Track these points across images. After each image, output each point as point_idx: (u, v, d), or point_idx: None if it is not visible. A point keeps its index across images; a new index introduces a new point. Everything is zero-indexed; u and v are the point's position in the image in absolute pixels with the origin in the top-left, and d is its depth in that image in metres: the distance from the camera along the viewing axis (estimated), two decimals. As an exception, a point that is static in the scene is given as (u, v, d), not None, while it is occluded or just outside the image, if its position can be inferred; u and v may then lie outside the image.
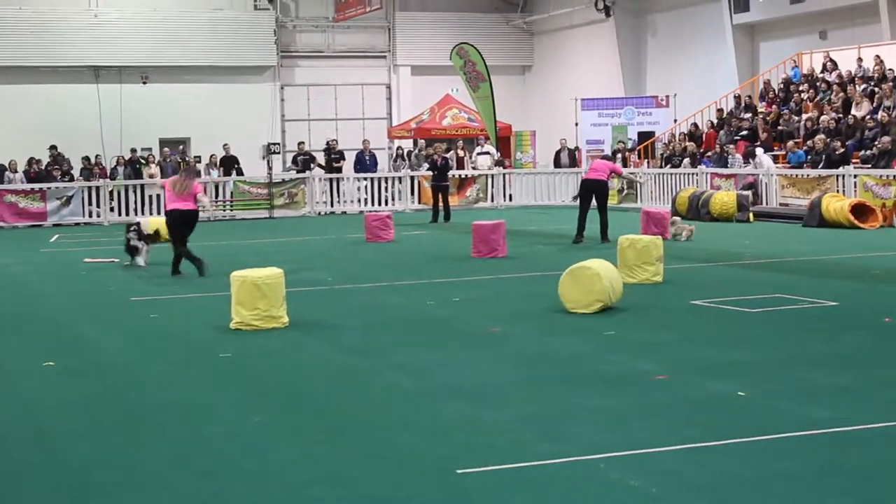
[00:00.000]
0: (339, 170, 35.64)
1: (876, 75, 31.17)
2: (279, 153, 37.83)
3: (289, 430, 8.19)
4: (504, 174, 36.30)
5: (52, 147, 34.41)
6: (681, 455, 7.27)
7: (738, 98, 35.08)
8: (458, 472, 6.96)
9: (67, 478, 7.14)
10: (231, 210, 33.35)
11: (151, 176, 33.29)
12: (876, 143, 27.57)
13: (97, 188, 32.31)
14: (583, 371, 10.05)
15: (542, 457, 7.24)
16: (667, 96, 38.01)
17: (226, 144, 35.54)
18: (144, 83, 39.81)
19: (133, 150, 35.66)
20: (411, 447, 7.62)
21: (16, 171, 32.88)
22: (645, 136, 37.46)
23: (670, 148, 34.76)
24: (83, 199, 31.96)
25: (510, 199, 35.96)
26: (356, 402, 9.03)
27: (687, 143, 34.01)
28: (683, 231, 22.91)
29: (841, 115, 30.31)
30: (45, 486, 6.96)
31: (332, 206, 34.52)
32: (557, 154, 37.97)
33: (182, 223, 17.83)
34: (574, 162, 37.57)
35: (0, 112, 37.86)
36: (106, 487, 6.91)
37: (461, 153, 37.41)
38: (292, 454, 7.52)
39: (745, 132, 32.79)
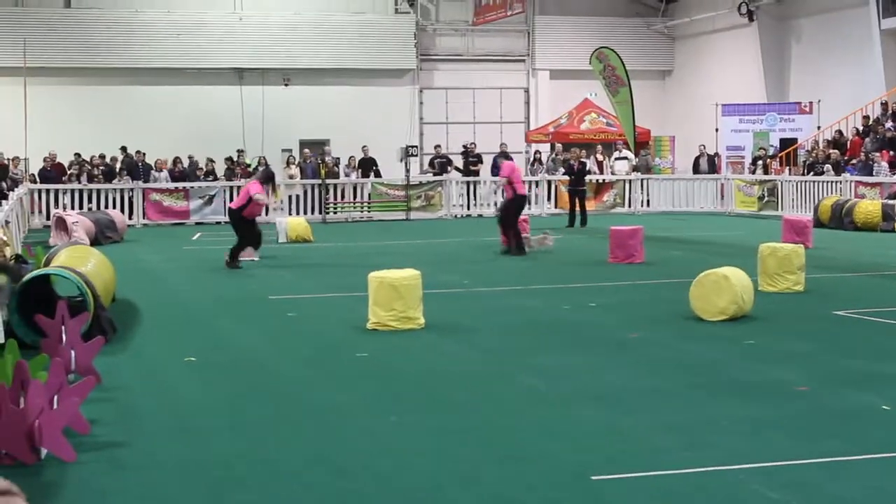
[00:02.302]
0: (476, 173, 35.74)
1: None
2: (416, 156, 38.10)
3: (424, 430, 8.22)
4: (642, 179, 35.99)
5: (123, 148, 34.93)
6: (821, 468, 7.12)
7: (884, 105, 34.22)
8: (593, 478, 6.91)
9: (208, 472, 7.27)
10: (368, 211, 33.68)
11: (291, 177, 33.80)
12: None
13: (238, 188, 32.88)
14: (721, 379, 9.90)
15: (680, 465, 7.15)
16: (810, 103, 37.26)
17: (364, 146, 35.91)
18: (286, 85, 40.47)
19: (240, 152, 36.11)
20: (546, 451, 7.59)
21: (161, 171, 33.71)
22: (787, 143, 36.78)
23: (813, 155, 34.08)
24: (225, 198, 32.59)
25: (648, 205, 35.65)
26: (491, 404, 9.03)
27: (830, 151, 33.29)
28: (533, 241, 22.26)
29: None
30: (186, 480, 7.10)
31: (468, 209, 34.64)
32: (696, 160, 37.52)
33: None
34: (713, 168, 37.09)
35: (146, 113, 38.85)
36: (245, 482, 7.03)
37: (600, 158, 37.18)
38: (427, 454, 7.55)
39: (888, 139, 31.98)
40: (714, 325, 12.74)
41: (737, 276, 13.22)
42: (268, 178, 20.54)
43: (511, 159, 28.87)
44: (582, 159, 31.64)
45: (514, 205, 21.90)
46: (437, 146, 37.77)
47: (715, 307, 12.98)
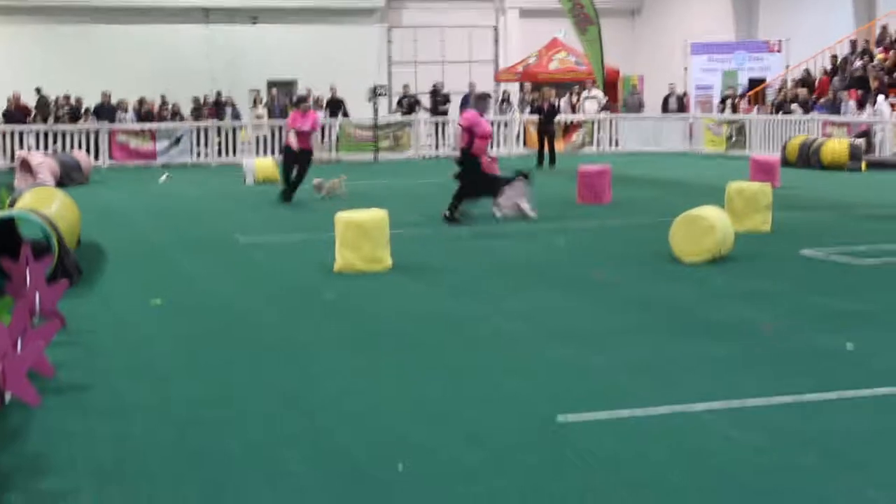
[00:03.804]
0: (445, 113, 35.58)
1: None
2: (385, 95, 37.87)
3: (392, 371, 8.22)
4: (611, 119, 35.93)
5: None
6: (787, 407, 7.16)
7: (853, 43, 34.22)
8: (560, 418, 6.93)
9: (174, 414, 7.26)
10: (337, 152, 33.50)
11: (259, 117, 33.55)
12: None
13: (205, 129, 32.68)
14: (689, 319, 9.94)
15: (646, 404, 7.18)
16: (779, 41, 37.24)
17: (332, 86, 35.65)
18: (254, 24, 40.06)
19: (218, 94, 35.87)
20: (513, 392, 7.61)
21: (126, 111, 33.39)
22: (756, 83, 36.79)
23: (781, 94, 34.10)
24: (192, 139, 32.36)
25: (617, 145, 35.62)
26: (459, 345, 9.04)
27: (798, 90, 33.32)
28: (324, 188, 21.34)
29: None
30: (153, 422, 7.08)
31: (437, 149, 34.51)
32: (665, 99, 37.47)
33: None
34: (682, 107, 37.07)
35: (110, 52, 38.39)
36: (213, 425, 7.01)
37: (575, 99, 37.11)
38: (394, 395, 7.56)
39: (856, 79, 32.02)
40: (683, 265, 12.76)
41: (721, 219, 13.21)
42: (483, 101, 19.61)
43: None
44: (551, 99, 31.53)
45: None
46: (406, 86, 37.54)
47: (696, 249, 12.95)
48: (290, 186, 20.46)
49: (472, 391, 7.64)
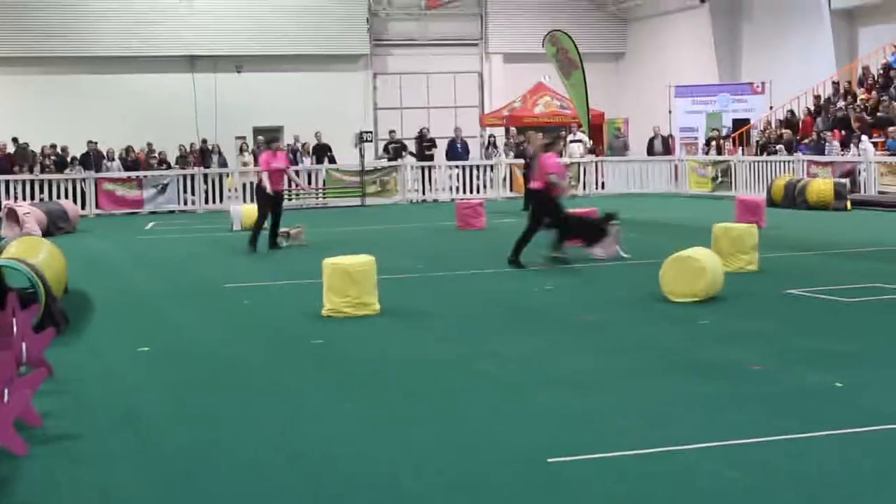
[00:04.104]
0: (431, 157, 35.68)
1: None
2: (371, 141, 37.98)
3: (380, 416, 8.19)
4: (596, 162, 36.07)
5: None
6: (778, 446, 7.15)
7: (835, 84, 34.46)
8: (550, 460, 6.91)
9: (163, 463, 7.21)
10: (323, 198, 33.54)
11: (245, 164, 33.60)
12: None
13: (192, 176, 32.70)
14: (678, 359, 9.93)
15: (636, 446, 7.16)
16: (762, 83, 37.47)
17: (318, 132, 35.74)
18: (239, 72, 40.20)
19: (204, 141, 35.97)
20: (502, 436, 7.58)
21: (113, 160, 33.43)
22: (740, 124, 36.97)
23: (766, 135, 34.28)
24: (178, 187, 32.38)
25: (603, 188, 35.72)
26: (448, 390, 9.01)
27: (783, 131, 33.50)
28: (290, 236, 20.70)
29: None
30: (141, 472, 7.04)
31: (423, 193, 34.57)
32: (650, 142, 37.63)
33: None
34: (667, 149, 37.23)
35: (97, 101, 38.45)
36: (201, 473, 6.97)
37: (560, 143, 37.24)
38: (382, 441, 7.53)
39: (838, 119, 32.21)
40: (671, 305, 12.78)
41: (712, 261, 13.24)
42: (556, 143, 19.06)
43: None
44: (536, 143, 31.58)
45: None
46: (392, 131, 37.69)
47: (688, 290, 12.97)
48: (271, 231, 20.32)
49: (462, 436, 7.61)
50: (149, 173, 32.67)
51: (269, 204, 20.19)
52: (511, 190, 34.53)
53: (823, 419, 7.73)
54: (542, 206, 17.04)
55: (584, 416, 8.04)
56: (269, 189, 20.02)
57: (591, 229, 17.79)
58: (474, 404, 8.49)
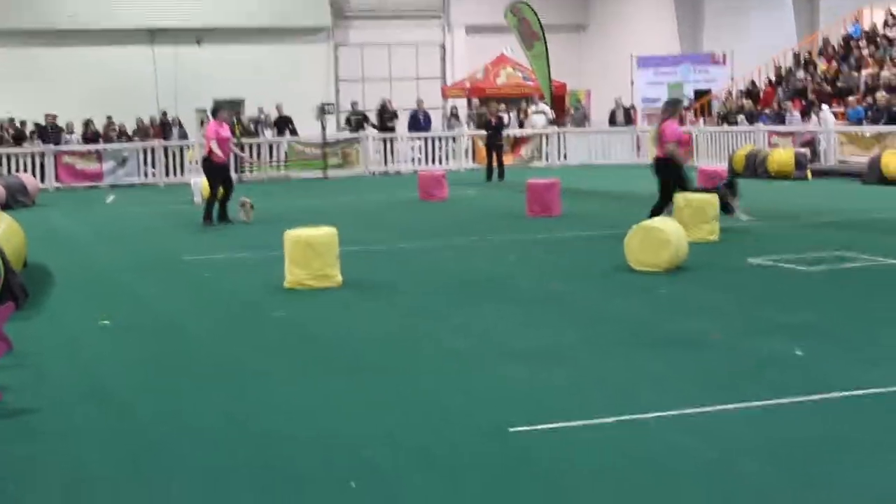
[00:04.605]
0: (393, 129, 35.60)
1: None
2: (333, 113, 37.85)
3: (343, 390, 8.17)
4: (559, 133, 36.09)
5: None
6: (737, 415, 7.19)
7: (796, 55, 34.59)
8: (511, 430, 6.92)
9: (125, 437, 7.17)
10: (285, 170, 33.42)
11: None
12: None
13: (152, 149, 32.48)
14: (641, 330, 9.96)
15: (598, 415, 7.18)
16: (724, 54, 37.57)
17: (279, 104, 35.57)
18: (199, 45, 39.91)
19: (164, 114, 35.73)
20: (465, 408, 7.58)
21: (72, 133, 33.15)
22: (701, 94, 37.09)
23: (727, 106, 34.40)
24: (139, 159, 32.16)
25: (565, 158, 35.77)
26: (411, 363, 9.00)
27: (744, 101, 33.63)
28: (242, 211, 20.22)
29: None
30: (103, 446, 6.99)
31: (385, 165, 34.51)
32: (612, 113, 37.70)
33: None
34: (629, 120, 37.29)
35: (57, 75, 38.12)
36: (163, 447, 6.94)
37: (524, 115, 37.28)
38: (346, 415, 7.51)
39: (800, 89, 32.38)
40: (633, 276, 12.82)
41: (677, 233, 13.28)
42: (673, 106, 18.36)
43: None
44: (499, 114, 31.62)
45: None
46: (354, 103, 37.56)
47: (652, 261, 13.02)
48: (222, 203, 19.97)
49: (424, 409, 7.61)
50: (108, 146, 32.43)
51: (220, 175, 19.94)
52: (473, 161, 34.52)
53: (783, 387, 7.77)
54: (668, 173, 16.64)
55: (545, 387, 8.05)
56: (218, 159, 19.75)
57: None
58: (438, 377, 8.48)
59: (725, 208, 17.17)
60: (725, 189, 17.87)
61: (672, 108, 17.85)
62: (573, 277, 13.08)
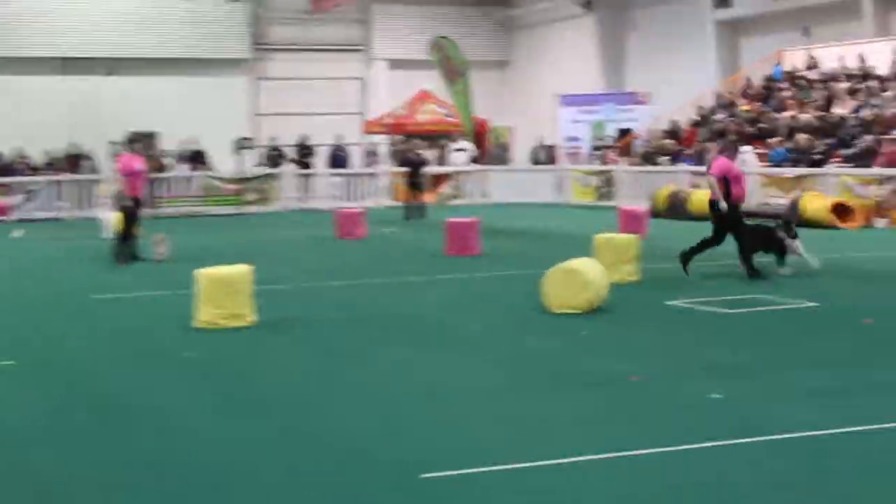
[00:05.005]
0: (311, 165, 35.51)
1: (859, 73, 31.26)
2: (252, 148, 37.67)
3: (253, 432, 8.09)
4: (480, 171, 36.23)
5: None
6: (654, 459, 7.22)
7: (718, 96, 35.11)
8: (423, 476, 6.88)
9: (28, 484, 7.01)
10: (200, 205, 33.16)
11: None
12: (857, 141, 27.62)
13: (62, 182, 32.08)
14: (558, 372, 9.99)
15: (512, 460, 7.16)
16: (647, 93, 38.00)
17: (194, 138, 35.26)
18: (109, 75, 39.47)
19: (75, 146, 35.31)
20: (376, 451, 7.53)
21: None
22: (624, 134, 37.46)
23: (649, 145, 34.77)
24: (48, 193, 31.75)
25: (486, 197, 35.88)
26: (322, 404, 8.94)
27: (666, 141, 34.02)
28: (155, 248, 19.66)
29: (823, 113, 30.34)
30: (5, 493, 6.84)
31: (303, 202, 34.37)
32: (535, 151, 37.93)
33: None
34: (552, 159, 37.55)
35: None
36: (69, 494, 6.80)
37: (440, 149, 37.41)
38: (255, 457, 7.43)
39: (721, 130, 32.81)
40: (552, 317, 12.86)
41: (596, 273, 13.35)
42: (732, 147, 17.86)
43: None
44: (418, 151, 31.70)
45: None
46: (273, 138, 37.41)
47: (571, 302, 13.04)
48: (130, 241, 19.35)
49: (333, 452, 7.55)
50: (17, 179, 31.97)
51: (132, 210, 19.35)
52: (393, 199, 34.52)
53: (700, 430, 7.82)
54: (720, 219, 16.45)
55: (460, 429, 8.03)
56: (131, 194, 19.25)
57: (769, 240, 16.80)
58: (349, 418, 8.43)
59: (781, 251, 16.62)
60: (783, 229, 16.93)
61: (732, 147, 17.68)
62: (492, 317, 13.10)
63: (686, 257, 16.53)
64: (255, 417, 8.53)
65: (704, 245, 16.58)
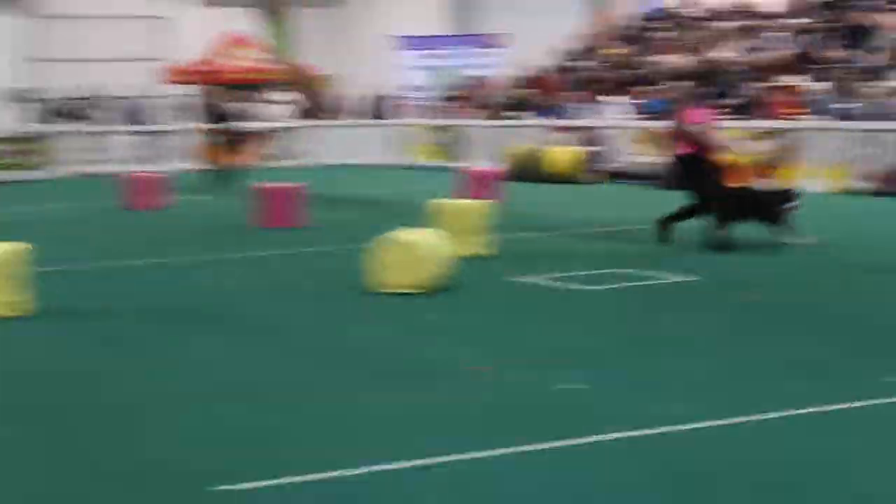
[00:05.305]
0: (97, 121, 34.93)
1: (745, 11, 31.87)
2: (29, 101, 36.88)
3: (27, 438, 7.97)
4: (307, 126, 36.06)
5: None
6: (492, 463, 7.22)
7: (583, 39, 35.46)
8: (211, 489, 6.80)
9: None
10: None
11: None
12: (740, 90, 28.15)
13: None
14: (391, 363, 9.98)
15: (320, 468, 7.09)
16: (501, 36, 38.17)
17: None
18: None
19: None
20: (171, 461, 7.43)
21: None
22: (475, 83, 37.59)
23: (505, 96, 34.95)
24: None
25: (314, 157, 35.69)
26: (110, 404, 8.82)
27: (523, 92, 34.23)
28: None
29: (702, 58, 30.84)
30: None
31: (89, 166, 33.69)
32: (371, 103, 37.88)
33: None
34: (390, 112, 37.54)
35: None
36: None
37: (258, 102, 37.13)
38: (18, 472, 7.27)
39: (587, 78, 33.18)
40: (384, 297, 12.84)
41: (436, 245, 13.38)
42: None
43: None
44: (233, 103, 31.39)
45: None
46: (54, 88, 36.66)
47: (406, 279, 13.04)
48: None
49: (116, 461, 7.43)
50: None
51: None
52: (201, 161, 34.10)
53: (546, 428, 7.86)
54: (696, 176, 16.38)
55: (267, 435, 7.95)
56: None
57: (765, 207, 16.54)
58: (133, 423, 8.30)
59: (775, 221, 16.40)
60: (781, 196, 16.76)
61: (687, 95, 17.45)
62: (311, 301, 13.05)
63: (664, 224, 16.64)
64: (28, 421, 8.37)
65: (688, 213, 16.52)
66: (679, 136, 16.74)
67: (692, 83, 27.21)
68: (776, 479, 6.83)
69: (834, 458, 7.24)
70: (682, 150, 16.67)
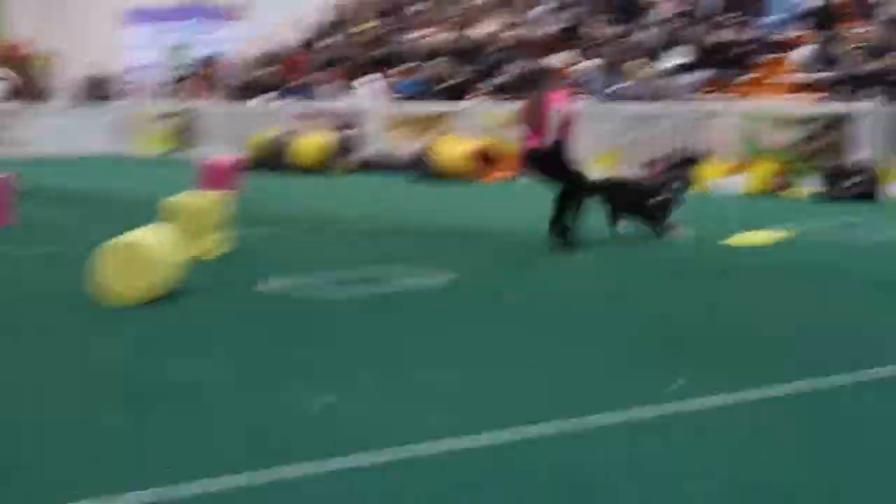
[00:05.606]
0: None
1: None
2: None
3: None
4: (17, 111, 35.46)
5: None
6: (258, 490, 7.08)
7: (333, 12, 35.52)
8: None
9: None
10: None
11: None
12: (502, 70, 28.52)
13: None
14: (99, 386, 9.67)
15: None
16: (240, 7, 38.05)
17: None
18: None
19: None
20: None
21: None
22: (209, 60, 37.40)
23: (243, 76, 34.83)
24: None
25: (25, 145, 35.03)
26: None
27: (265, 71, 34.15)
28: None
29: (460, 35, 31.16)
30: None
31: None
32: (89, 84, 37.41)
33: None
34: (113, 95, 37.14)
35: None
36: None
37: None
38: None
39: (337, 56, 33.24)
40: (101, 309, 12.57)
41: (166, 246, 13.20)
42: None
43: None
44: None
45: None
46: None
47: (131, 287, 12.80)
48: None
49: None
50: None
51: None
52: None
53: (290, 452, 7.74)
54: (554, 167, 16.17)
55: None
56: None
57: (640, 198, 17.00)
58: None
59: (653, 218, 16.87)
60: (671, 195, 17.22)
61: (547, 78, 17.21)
62: (9, 314, 12.66)
63: (555, 230, 16.24)
64: None
65: (568, 208, 16.26)
66: (538, 121, 16.18)
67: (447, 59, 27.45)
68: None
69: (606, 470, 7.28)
70: (541, 138, 16.14)
